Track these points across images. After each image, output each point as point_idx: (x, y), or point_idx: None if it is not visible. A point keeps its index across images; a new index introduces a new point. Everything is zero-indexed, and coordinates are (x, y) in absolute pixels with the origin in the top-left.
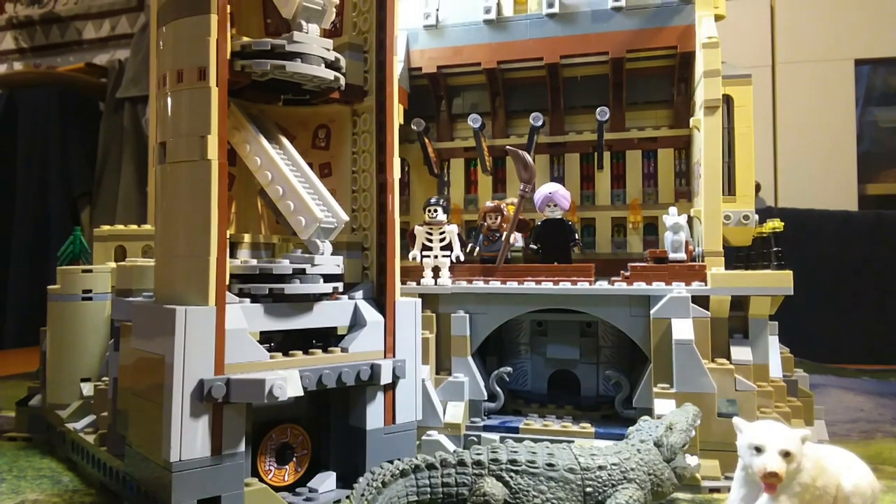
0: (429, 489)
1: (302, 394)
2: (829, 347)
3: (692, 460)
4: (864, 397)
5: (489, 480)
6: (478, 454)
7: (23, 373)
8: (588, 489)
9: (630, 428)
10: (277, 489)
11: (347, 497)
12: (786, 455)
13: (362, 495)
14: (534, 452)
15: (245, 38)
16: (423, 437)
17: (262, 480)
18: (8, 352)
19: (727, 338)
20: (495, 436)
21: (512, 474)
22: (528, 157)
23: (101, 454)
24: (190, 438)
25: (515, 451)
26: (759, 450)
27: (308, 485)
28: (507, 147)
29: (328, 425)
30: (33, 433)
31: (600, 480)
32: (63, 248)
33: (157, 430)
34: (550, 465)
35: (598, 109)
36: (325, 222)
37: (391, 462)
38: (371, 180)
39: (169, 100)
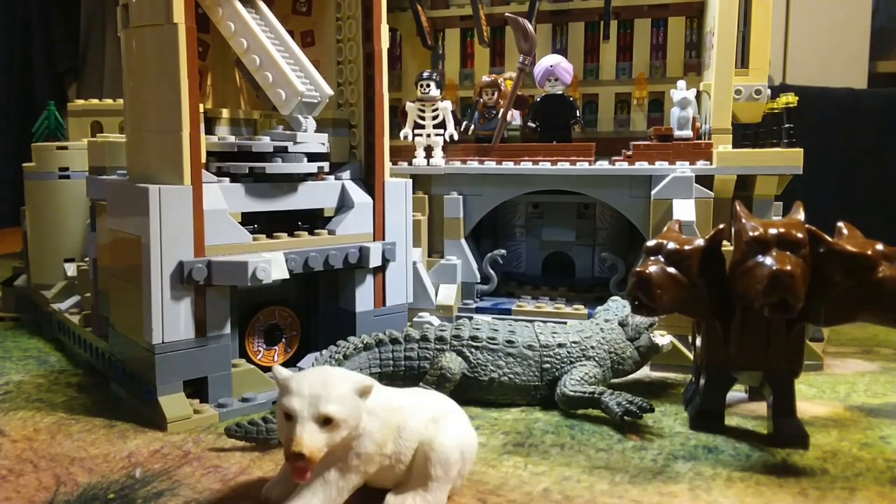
0: (391, 362)
1: (287, 276)
2: (832, 230)
3: (662, 340)
4: None
5: (449, 355)
6: (441, 331)
7: (10, 253)
8: (546, 365)
9: (598, 307)
10: (266, 370)
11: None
12: (325, 422)
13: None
14: (496, 330)
15: None
16: (415, 319)
17: (250, 361)
18: (3, 231)
19: (730, 218)
20: (488, 318)
21: (472, 350)
22: (529, 26)
23: (87, 335)
24: (172, 320)
25: (478, 328)
26: (289, 417)
27: (298, 365)
28: (507, 14)
29: (318, 307)
30: (21, 313)
31: (559, 357)
32: (37, 124)
33: (139, 313)
34: (510, 342)
35: None
36: (307, 96)
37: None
38: (357, 50)
39: None
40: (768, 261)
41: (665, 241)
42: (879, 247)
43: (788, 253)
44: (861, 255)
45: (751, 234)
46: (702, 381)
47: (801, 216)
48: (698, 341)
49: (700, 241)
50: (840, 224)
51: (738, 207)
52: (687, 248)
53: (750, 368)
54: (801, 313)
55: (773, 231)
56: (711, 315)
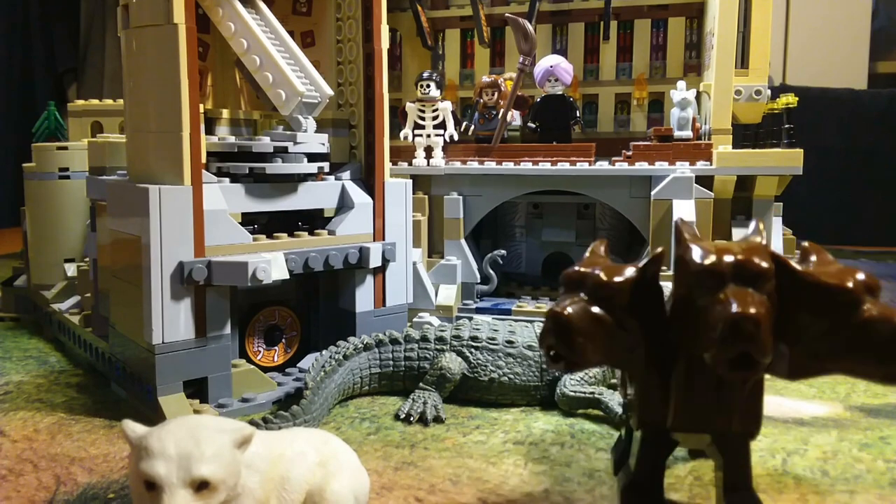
0: (391, 363)
1: (287, 277)
2: (831, 228)
3: None
4: None
5: (449, 356)
6: (441, 331)
7: (10, 253)
8: (545, 365)
9: None
10: (266, 370)
11: (307, 370)
12: (201, 487)
13: (322, 367)
14: (496, 330)
15: None
16: (415, 319)
17: (250, 361)
18: (3, 231)
19: (730, 219)
20: (488, 318)
21: (472, 350)
22: (529, 27)
23: (87, 335)
24: (172, 321)
25: (478, 329)
26: (151, 486)
27: (298, 365)
28: (507, 15)
29: (318, 307)
30: (21, 313)
31: None
32: (38, 124)
33: (139, 313)
34: (510, 342)
35: None
36: (307, 96)
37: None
38: (357, 51)
39: None
40: (725, 300)
41: (589, 271)
42: (861, 276)
43: (750, 289)
44: (840, 288)
45: (700, 262)
46: (635, 443)
47: (763, 238)
48: (629, 392)
49: (632, 271)
50: (805, 244)
51: (679, 225)
52: (617, 279)
53: (695, 430)
54: None
55: (728, 259)
56: (648, 365)
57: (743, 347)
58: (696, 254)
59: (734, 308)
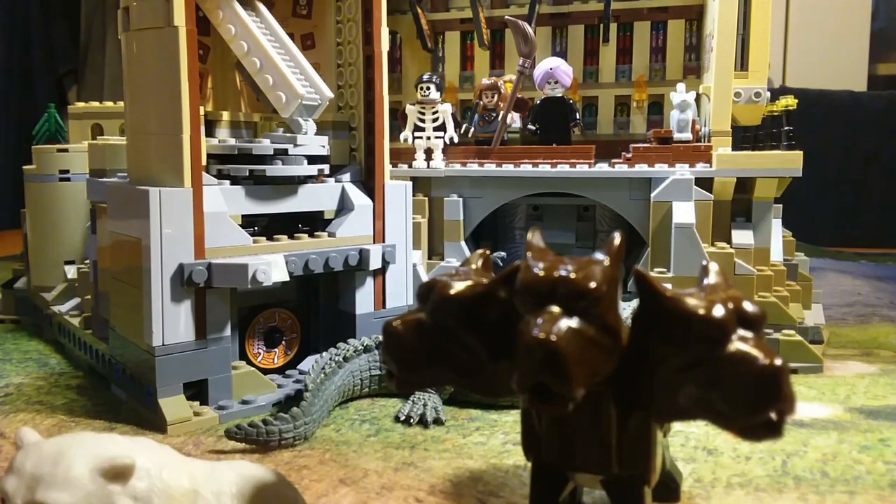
0: None
1: (287, 279)
2: (831, 230)
3: None
4: (861, 281)
5: None
6: None
7: (10, 255)
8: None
9: None
10: (266, 372)
11: (307, 372)
12: None
13: (322, 369)
14: None
15: None
16: None
17: (250, 363)
18: (3, 233)
19: (729, 221)
20: None
21: None
22: (529, 29)
23: (87, 337)
24: (172, 323)
25: None
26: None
27: (298, 367)
28: (507, 17)
29: (318, 309)
30: (21, 315)
31: None
32: (38, 127)
33: (139, 315)
34: None
35: None
36: (307, 99)
37: (357, 339)
38: (357, 53)
39: None
40: (531, 324)
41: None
42: (734, 306)
43: (561, 311)
44: (702, 319)
45: (523, 280)
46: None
47: (609, 259)
48: None
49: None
50: (709, 265)
51: (530, 237)
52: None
53: (571, 469)
54: (628, 398)
55: (551, 276)
56: None
57: (539, 377)
58: (528, 267)
59: (535, 332)
